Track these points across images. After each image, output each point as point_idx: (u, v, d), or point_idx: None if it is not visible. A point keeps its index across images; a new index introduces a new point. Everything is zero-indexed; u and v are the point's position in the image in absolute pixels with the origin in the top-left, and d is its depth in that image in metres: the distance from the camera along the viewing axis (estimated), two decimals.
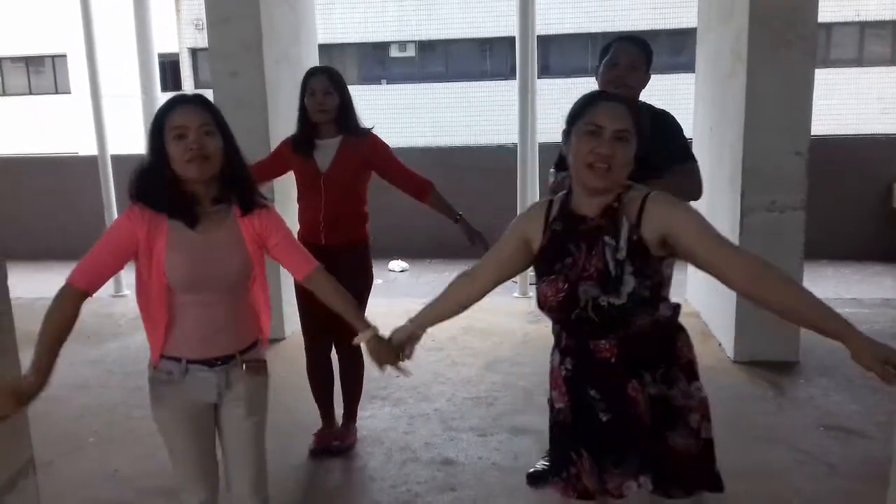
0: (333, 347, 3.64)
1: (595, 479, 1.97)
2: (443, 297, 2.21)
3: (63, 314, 1.99)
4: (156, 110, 2.10)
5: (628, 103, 1.99)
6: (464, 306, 2.20)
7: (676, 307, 1.98)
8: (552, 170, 3.03)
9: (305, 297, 3.30)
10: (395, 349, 2.20)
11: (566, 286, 1.89)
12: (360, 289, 3.33)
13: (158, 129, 2.04)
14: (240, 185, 2.14)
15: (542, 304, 1.97)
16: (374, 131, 3.48)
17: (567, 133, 1.98)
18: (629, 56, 2.92)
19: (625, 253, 1.86)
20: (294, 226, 3.34)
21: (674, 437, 1.95)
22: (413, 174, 3.49)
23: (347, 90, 3.43)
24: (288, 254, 2.22)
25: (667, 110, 3.03)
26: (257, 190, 2.20)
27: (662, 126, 2.93)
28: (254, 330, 2.22)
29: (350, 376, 3.65)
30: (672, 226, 1.86)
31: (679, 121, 3.04)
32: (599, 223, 1.91)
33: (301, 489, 3.35)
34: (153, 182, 2.05)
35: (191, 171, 2.02)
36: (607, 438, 1.96)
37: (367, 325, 2.21)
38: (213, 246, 2.09)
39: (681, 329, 2.02)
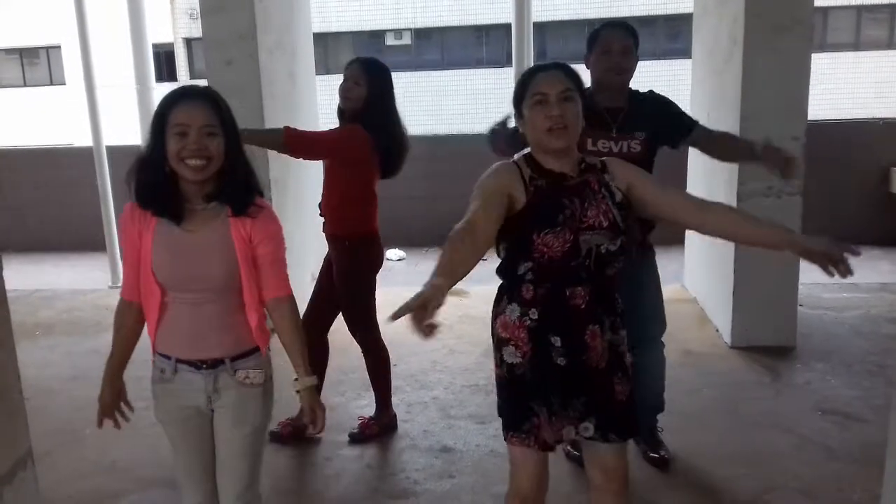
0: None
1: (551, 431, 2.08)
2: (455, 256, 1.84)
3: (123, 325, 2.17)
4: (157, 100, 2.03)
5: (563, 66, 2.13)
6: (473, 266, 1.93)
7: None
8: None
9: (324, 277, 3.58)
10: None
11: (571, 237, 2.01)
12: None
13: (161, 121, 1.95)
14: (236, 186, 2.02)
15: (541, 255, 2.03)
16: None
17: (518, 114, 2.13)
18: (620, 41, 2.99)
19: (618, 203, 2.07)
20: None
21: (616, 382, 2.12)
22: (313, 138, 3.56)
23: (378, 85, 3.40)
24: (269, 268, 2.08)
25: (654, 91, 3.22)
26: (255, 191, 2.08)
27: (664, 107, 3.13)
28: (247, 338, 2.10)
29: (370, 368, 3.68)
30: (633, 179, 2.11)
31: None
32: (587, 178, 2.09)
33: (299, 477, 3.36)
34: (148, 177, 1.99)
35: (185, 170, 1.95)
36: (560, 383, 2.07)
37: (310, 374, 2.14)
38: (198, 245, 2.01)
39: None
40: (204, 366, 2.06)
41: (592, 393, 2.08)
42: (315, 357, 3.64)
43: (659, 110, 3.09)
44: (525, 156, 2.14)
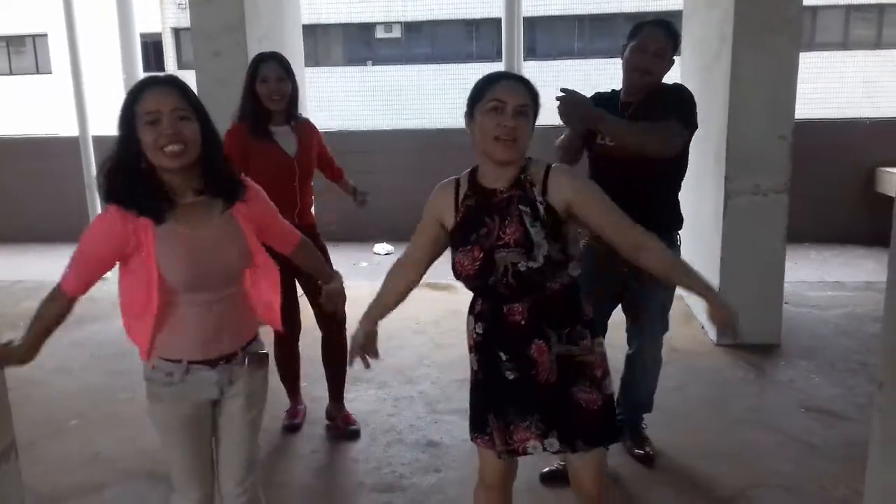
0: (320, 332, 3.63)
1: (502, 438, 2.13)
2: (384, 290, 2.35)
3: (52, 314, 2.07)
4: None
5: (526, 82, 2.10)
6: (407, 292, 2.35)
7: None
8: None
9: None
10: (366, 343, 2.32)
11: (482, 255, 2.03)
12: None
13: (129, 115, 1.88)
14: (219, 176, 1.99)
15: (459, 273, 2.09)
16: (332, 115, 3.54)
17: (470, 114, 2.10)
18: (658, 43, 2.93)
19: (540, 219, 2.01)
20: None
21: (577, 392, 2.10)
22: (333, 160, 3.74)
23: (295, 76, 3.43)
24: (278, 230, 2.25)
25: (681, 84, 3.14)
26: (236, 175, 2.07)
27: (669, 97, 2.99)
28: (254, 324, 2.17)
29: (340, 361, 3.64)
30: (571, 197, 2.03)
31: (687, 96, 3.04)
32: (511, 194, 2.05)
33: (286, 470, 3.35)
34: (124, 177, 1.90)
35: (164, 158, 1.87)
36: (513, 395, 2.10)
37: (334, 275, 2.50)
38: (209, 241, 1.97)
39: (580, 288, 2.18)
40: (221, 362, 2.07)
41: (547, 409, 2.10)
42: (291, 365, 3.69)
43: (666, 101, 2.94)
44: (471, 170, 2.17)
